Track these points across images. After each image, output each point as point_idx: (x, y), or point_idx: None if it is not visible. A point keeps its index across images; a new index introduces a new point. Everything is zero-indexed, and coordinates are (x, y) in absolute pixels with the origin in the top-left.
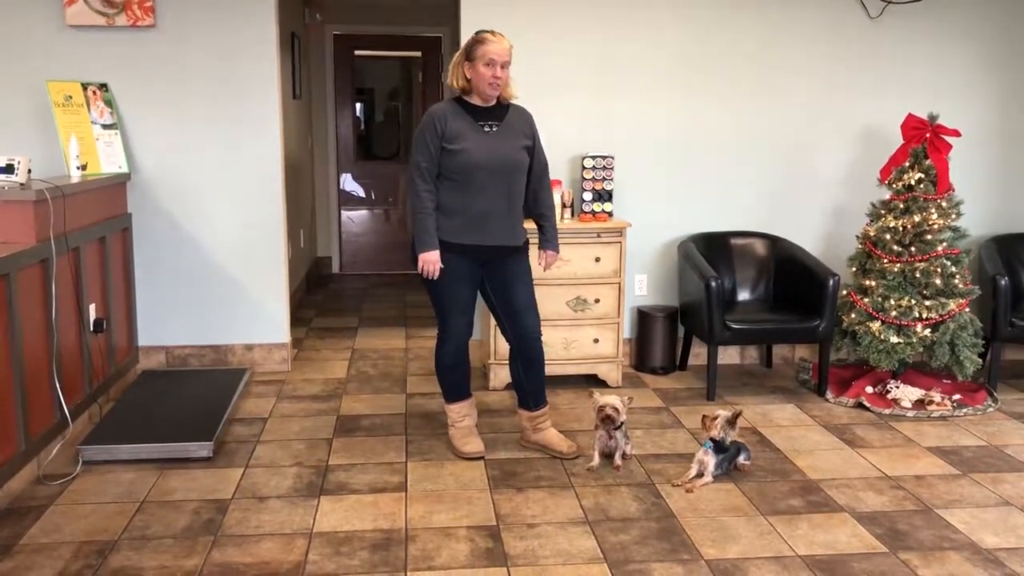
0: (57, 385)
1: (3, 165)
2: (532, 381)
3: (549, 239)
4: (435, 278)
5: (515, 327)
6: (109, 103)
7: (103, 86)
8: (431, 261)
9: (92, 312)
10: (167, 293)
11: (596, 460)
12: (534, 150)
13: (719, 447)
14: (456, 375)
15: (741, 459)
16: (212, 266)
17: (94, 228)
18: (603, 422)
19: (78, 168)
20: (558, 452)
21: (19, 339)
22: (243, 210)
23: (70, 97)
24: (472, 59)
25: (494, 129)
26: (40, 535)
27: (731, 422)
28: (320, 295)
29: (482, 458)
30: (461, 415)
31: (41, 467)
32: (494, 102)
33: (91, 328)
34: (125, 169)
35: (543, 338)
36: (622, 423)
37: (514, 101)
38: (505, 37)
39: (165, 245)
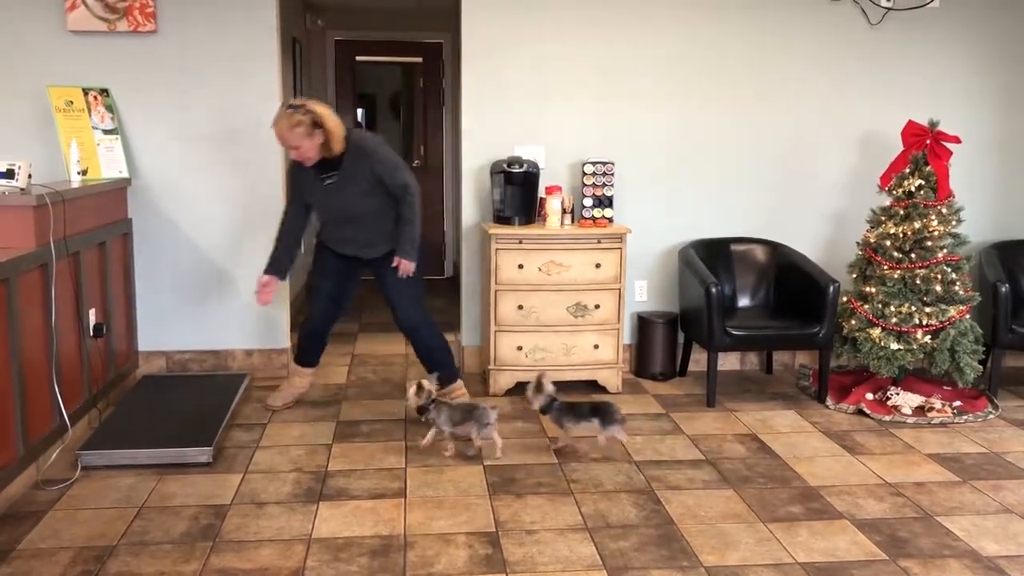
0: (56, 390)
1: (4, 170)
2: (426, 362)
3: (399, 246)
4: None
5: (395, 317)
6: (110, 108)
7: (104, 91)
8: (260, 281)
9: (92, 317)
10: (167, 298)
11: (436, 445)
12: (384, 183)
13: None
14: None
15: (614, 431)
16: (212, 271)
17: (94, 233)
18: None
19: (79, 173)
20: None
21: (18, 344)
22: (244, 215)
23: (71, 102)
24: None
25: (333, 181)
26: (38, 540)
27: (538, 387)
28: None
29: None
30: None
31: (40, 472)
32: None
33: (91, 333)
34: (126, 174)
35: (544, 344)
36: (425, 406)
37: (362, 141)
38: (284, 117)
39: (165, 250)
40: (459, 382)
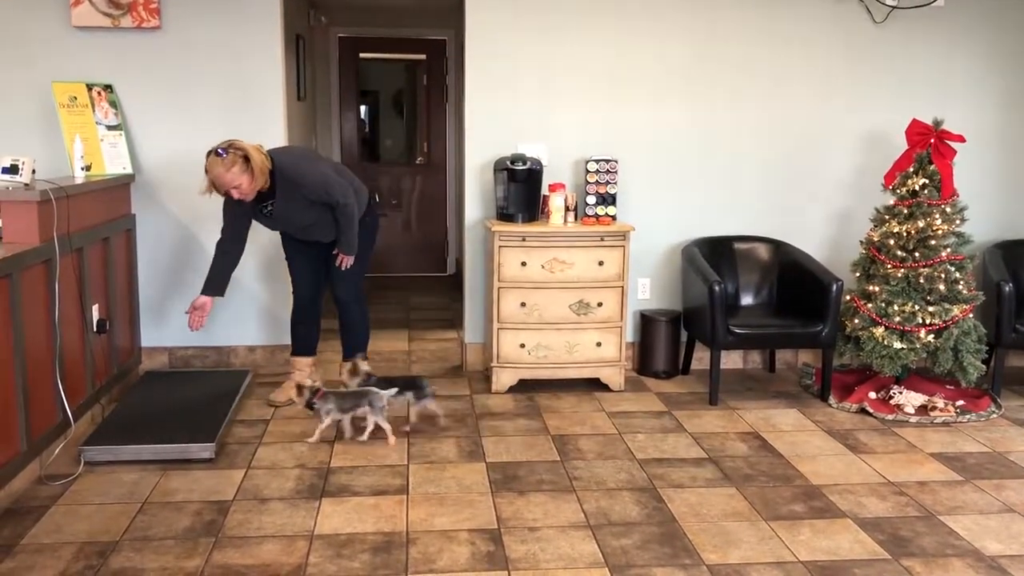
0: (59, 385)
1: (8, 165)
2: (345, 337)
3: (339, 245)
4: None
5: (333, 291)
6: (114, 104)
7: (108, 87)
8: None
9: (95, 313)
10: (170, 294)
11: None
12: (317, 194)
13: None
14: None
15: (426, 404)
16: None
17: (98, 229)
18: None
19: (82, 169)
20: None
21: (22, 339)
22: None
23: (75, 98)
24: None
25: (272, 208)
26: (41, 535)
27: (353, 369)
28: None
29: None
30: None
31: (43, 467)
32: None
33: (94, 329)
34: (129, 170)
35: (547, 342)
36: (311, 402)
37: (284, 165)
38: (218, 163)
39: (168, 246)
40: (359, 355)
